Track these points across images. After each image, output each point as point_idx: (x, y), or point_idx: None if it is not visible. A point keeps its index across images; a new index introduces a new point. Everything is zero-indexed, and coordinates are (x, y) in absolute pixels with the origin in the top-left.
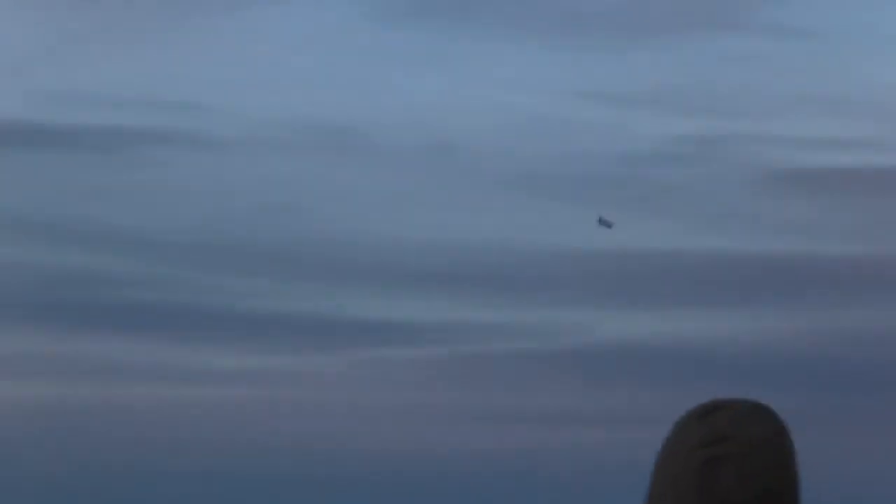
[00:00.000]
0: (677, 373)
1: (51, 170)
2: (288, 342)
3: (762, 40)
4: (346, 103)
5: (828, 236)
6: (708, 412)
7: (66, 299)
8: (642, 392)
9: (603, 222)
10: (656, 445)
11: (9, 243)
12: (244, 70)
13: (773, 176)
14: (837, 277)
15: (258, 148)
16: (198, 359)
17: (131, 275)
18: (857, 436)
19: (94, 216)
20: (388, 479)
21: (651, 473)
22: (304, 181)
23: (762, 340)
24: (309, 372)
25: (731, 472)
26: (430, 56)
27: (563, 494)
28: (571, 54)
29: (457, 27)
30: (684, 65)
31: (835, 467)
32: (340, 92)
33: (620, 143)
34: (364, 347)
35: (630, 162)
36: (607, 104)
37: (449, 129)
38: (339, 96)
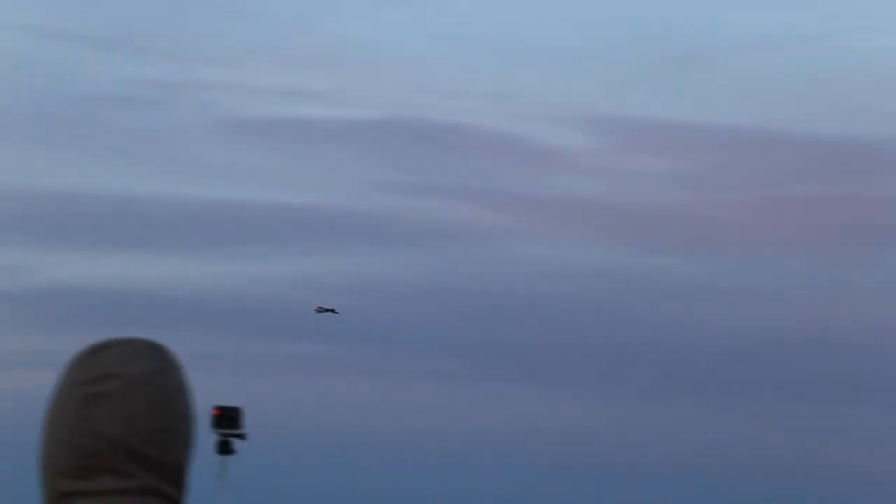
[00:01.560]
0: (132, 316)
1: None
2: None
3: None
4: None
5: (282, 185)
6: (98, 350)
7: None
8: (93, 335)
9: (324, 310)
10: None
11: None
12: None
13: (230, 124)
14: (289, 225)
15: None
16: None
17: None
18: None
19: None
20: None
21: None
22: None
23: (214, 284)
24: None
25: (113, 409)
26: None
27: None
28: None
29: None
30: (148, 8)
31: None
32: None
33: (79, 84)
34: None
35: (88, 104)
36: (66, 43)
37: None
38: None
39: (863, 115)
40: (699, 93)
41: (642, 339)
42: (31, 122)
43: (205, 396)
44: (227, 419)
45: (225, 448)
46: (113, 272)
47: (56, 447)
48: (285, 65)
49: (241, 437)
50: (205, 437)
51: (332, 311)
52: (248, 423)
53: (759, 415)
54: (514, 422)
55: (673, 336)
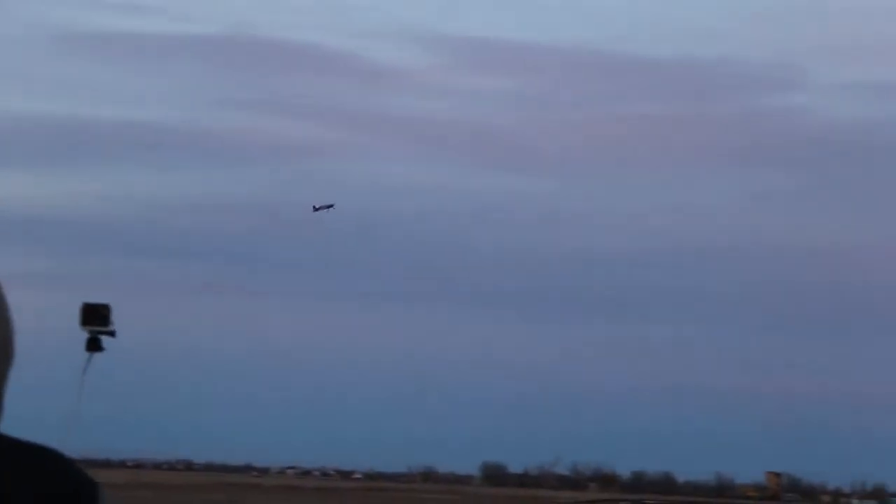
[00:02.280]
0: None
1: None
2: None
3: None
4: None
5: (116, 101)
6: None
7: None
8: None
9: (321, 207)
10: None
11: None
12: None
13: (62, 37)
14: (123, 142)
15: None
16: None
17: None
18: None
19: None
20: None
21: None
22: None
23: (46, 201)
24: None
25: None
26: None
27: None
28: None
29: None
30: None
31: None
32: None
33: None
34: None
35: None
36: None
37: None
38: None
39: (697, 35)
40: (539, 13)
41: (475, 254)
42: None
43: (34, 314)
44: (96, 315)
45: (93, 345)
46: None
47: None
48: None
49: (110, 334)
50: (75, 333)
51: (330, 206)
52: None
53: (571, 329)
54: (338, 336)
55: (503, 252)
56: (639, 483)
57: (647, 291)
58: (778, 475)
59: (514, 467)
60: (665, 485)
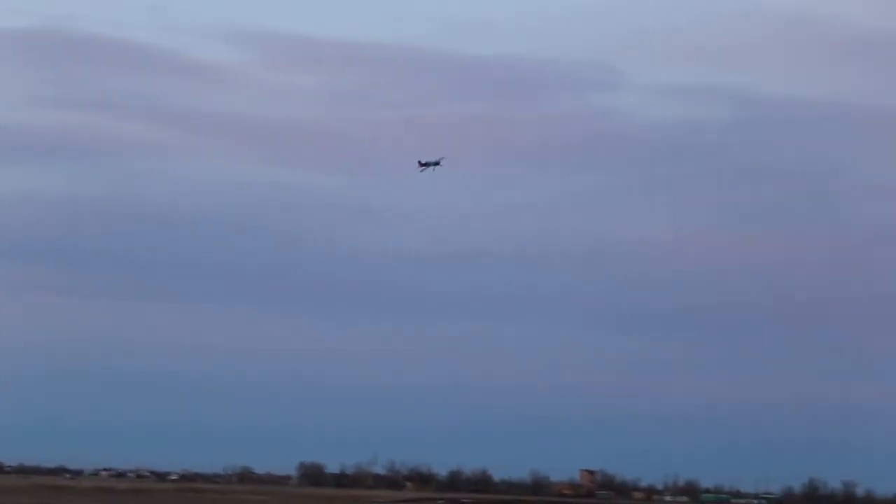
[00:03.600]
0: None
1: None
2: None
3: None
4: None
5: None
6: None
7: None
8: None
9: (427, 164)
10: None
11: None
12: None
13: None
14: None
15: None
16: None
17: None
18: None
19: None
20: None
21: None
22: None
23: None
24: None
25: None
26: None
27: None
28: None
29: None
30: None
31: None
32: None
33: None
34: None
35: None
36: None
37: None
38: None
39: (512, 34)
40: (352, 11)
41: (283, 252)
42: None
43: None
44: None
45: None
46: None
47: None
48: None
49: None
50: None
51: (437, 163)
52: None
53: (367, 329)
54: (142, 336)
55: (313, 251)
56: (455, 481)
57: (460, 289)
58: (592, 473)
59: (332, 467)
60: (481, 483)
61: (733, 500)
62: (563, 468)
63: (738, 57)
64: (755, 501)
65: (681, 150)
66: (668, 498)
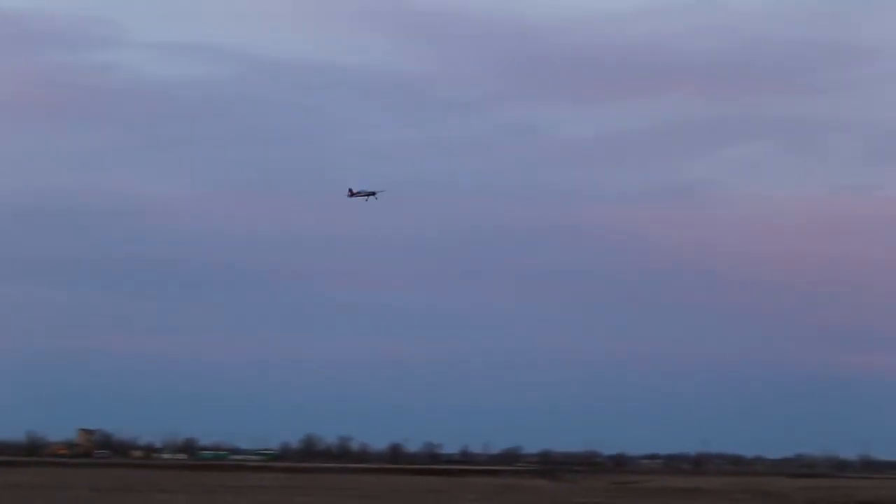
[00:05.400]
0: None
1: None
2: None
3: None
4: None
5: None
6: None
7: None
8: None
9: (360, 194)
10: None
11: None
12: None
13: None
14: None
15: None
16: None
17: None
18: None
19: None
20: None
21: None
22: None
23: None
24: None
25: None
26: None
27: None
28: None
29: None
30: None
31: None
32: None
33: None
34: None
35: None
36: None
37: None
38: None
39: None
40: None
41: None
42: None
43: None
44: None
45: None
46: None
47: None
48: None
49: None
50: None
51: (371, 194)
52: None
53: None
54: None
55: None
56: None
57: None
58: (91, 432)
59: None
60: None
61: (231, 457)
62: (61, 428)
63: (241, 17)
64: (254, 457)
65: (187, 109)
66: (166, 455)
